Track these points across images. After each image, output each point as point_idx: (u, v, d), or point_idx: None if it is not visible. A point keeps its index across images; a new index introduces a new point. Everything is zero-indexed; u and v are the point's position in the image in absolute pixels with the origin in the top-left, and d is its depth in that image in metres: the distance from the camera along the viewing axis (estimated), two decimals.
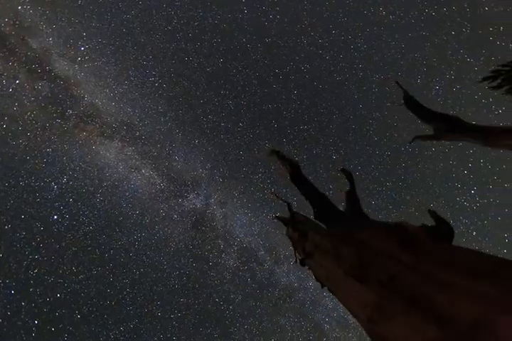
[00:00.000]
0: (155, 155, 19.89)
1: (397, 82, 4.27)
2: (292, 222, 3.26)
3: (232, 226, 19.19)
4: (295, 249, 3.03)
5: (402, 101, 4.23)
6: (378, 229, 2.15)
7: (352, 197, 2.92)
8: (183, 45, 18.60)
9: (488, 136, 3.28)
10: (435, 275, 1.41)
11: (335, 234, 2.46)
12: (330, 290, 2.23)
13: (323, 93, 17.95)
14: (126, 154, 19.43)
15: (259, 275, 18.26)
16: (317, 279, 2.50)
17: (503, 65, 3.45)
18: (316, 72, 17.88)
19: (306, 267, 2.72)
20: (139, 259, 18.55)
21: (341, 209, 2.99)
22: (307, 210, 3.28)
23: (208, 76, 19.02)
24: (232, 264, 18.56)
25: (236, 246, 18.81)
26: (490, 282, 1.20)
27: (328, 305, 17.37)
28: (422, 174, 16.26)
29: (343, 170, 3.21)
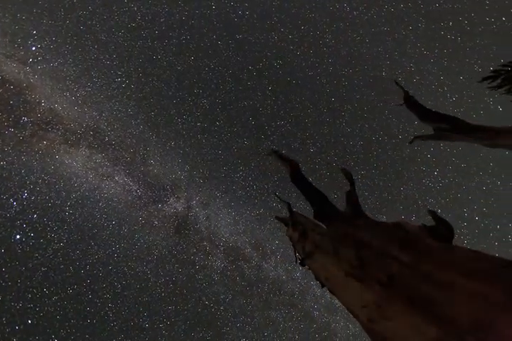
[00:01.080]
0: (128, 161, 18.70)
1: (396, 82, 4.27)
2: (292, 222, 3.26)
3: (217, 227, 18.83)
4: (295, 248, 3.02)
5: (402, 101, 4.23)
6: (378, 229, 2.15)
7: (352, 197, 2.92)
8: (150, 43, 17.67)
9: (488, 136, 3.28)
10: (435, 275, 1.41)
11: (335, 234, 2.46)
12: (330, 290, 2.23)
13: (298, 88, 17.89)
14: (95, 162, 18.11)
15: (247, 272, 18.25)
16: (317, 279, 2.50)
17: (503, 65, 3.45)
18: (289, 68, 17.85)
19: (306, 267, 2.72)
20: (120, 271, 17.58)
21: (341, 209, 2.99)
22: (307, 210, 3.28)
23: (179, 75, 18.24)
24: (220, 265, 18.38)
25: (222, 246, 18.60)
26: (490, 282, 1.20)
27: (315, 292, 17.66)
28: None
29: (343, 170, 3.21)
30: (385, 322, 1.45)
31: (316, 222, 3.01)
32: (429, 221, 2.03)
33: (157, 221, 18.75)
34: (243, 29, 17.76)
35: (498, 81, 3.52)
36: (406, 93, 4.20)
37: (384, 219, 2.46)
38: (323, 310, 17.48)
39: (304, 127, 17.76)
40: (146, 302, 17.51)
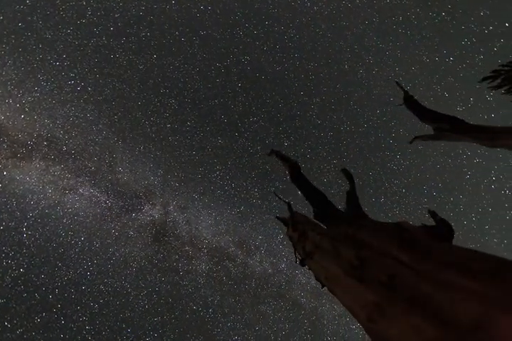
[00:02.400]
0: (93, 171, 17.17)
1: (397, 82, 4.27)
2: (292, 222, 3.26)
3: (198, 230, 18.16)
4: (295, 248, 3.02)
5: (402, 102, 4.23)
6: (378, 229, 2.15)
7: (352, 197, 2.92)
8: (105, 41, 16.20)
9: (488, 136, 3.28)
10: (435, 275, 1.41)
11: (335, 234, 2.46)
12: (330, 290, 2.23)
13: (268, 83, 17.69)
14: (53, 174, 16.30)
15: (233, 271, 17.99)
16: (317, 279, 2.50)
17: (503, 65, 3.45)
18: (256, 63, 17.55)
19: (306, 267, 2.72)
20: (95, 290, 16.27)
21: (341, 209, 2.99)
22: (307, 209, 3.28)
23: (142, 74, 17.02)
24: (205, 268, 17.89)
25: (205, 248, 18.05)
26: (490, 282, 1.20)
27: (301, 280, 17.75)
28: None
29: (344, 171, 3.21)
30: (385, 322, 1.45)
31: (316, 222, 3.02)
32: (427, 220, 2.03)
33: (132, 231, 17.58)
34: (206, 24, 17.04)
35: (498, 81, 3.52)
36: (406, 93, 4.20)
37: (384, 219, 2.46)
38: (309, 296, 17.65)
39: (276, 123, 17.71)
40: (129, 318, 16.46)
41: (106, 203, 17.51)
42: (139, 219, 17.84)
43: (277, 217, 3.75)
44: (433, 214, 2.02)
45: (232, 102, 17.90)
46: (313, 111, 17.40)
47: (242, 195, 18.03)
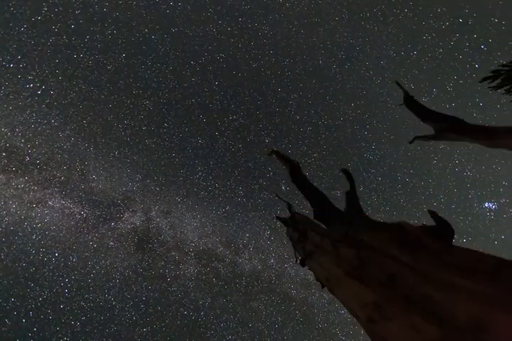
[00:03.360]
0: (63, 181, 15.80)
1: (397, 82, 4.27)
2: (292, 222, 3.26)
3: (184, 233, 17.52)
4: (295, 249, 3.02)
5: (403, 101, 4.22)
6: (378, 229, 2.15)
7: (352, 197, 2.92)
8: (66, 40, 14.76)
9: (488, 136, 3.28)
10: (435, 275, 1.41)
11: (335, 234, 2.46)
12: (330, 290, 2.23)
13: (244, 80, 17.44)
14: (17, 188, 14.79)
15: (222, 271, 17.62)
16: (317, 279, 2.50)
17: (503, 65, 3.45)
18: (232, 60, 17.14)
19: (306, 267, 2.72)
20: (76, 307, 15.09)
21: (341, 209, 2.99)
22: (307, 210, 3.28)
23: (110, 75, 15.80)
24: (193, 271, 17.32)
25: (192, 251, 17.45)
26: (490, 282, 1.20)
27: (290, 273, 17.62)
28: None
29: (344, 171, 3.21)
30: (385, 322, 1.45)
31: (316, 222, 3.01)
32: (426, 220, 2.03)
33: (113, 241, 16.50)
34: (177, 21, 16.15)
35: (498, 81, 3.52)
36: (406, 93, 4.20)
37: (384, 219, 2.46)
38: (299, 287, 17.65)
39: (256, 120, 17.53)
40: (116, 332, 15.49)
41: (80, 214, 16.22)
42: (119, 228, 16.75)
43: (277, 217, 3.75)
44: (433, 214, 2.02)
45: (209, 101, 17.37)
46: (292, 106, 17.38)
47: (227, 195, 17.71)
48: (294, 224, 3.20)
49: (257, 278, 17.52)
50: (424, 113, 3.97)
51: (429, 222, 1.94)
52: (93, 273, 15.90)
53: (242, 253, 17.89)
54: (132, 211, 17.18)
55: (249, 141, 17.52)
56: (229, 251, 17.89)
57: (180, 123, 17.32)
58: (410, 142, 4.23)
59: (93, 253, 16.15)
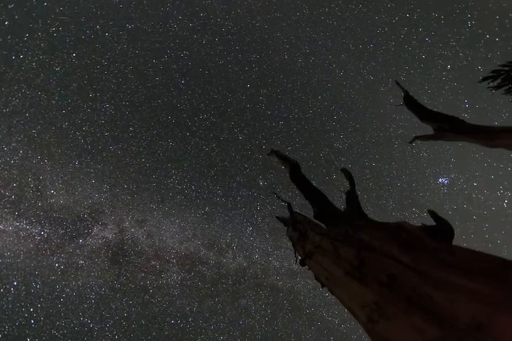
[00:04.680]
0: (14, 200, 13.93)
1: (397, 82, 4.27)
2: (292, 222, 3.26)
3: (162, 241, 16.68)
4: (295, 248, 3.02)
5: (402, 101, 4.23)
6: (378, 229, 2.15)
7: (352, 197, 2.92)
8: (4, 38, 12.84)
9: (488, 135, 3.28)
10: (435, 275, 1.41)
11: (335, 234, 2.46)
12: (330, 290, 2.23)
13: (211, 78, 16.85)
14: None
15: (208, 274, 17.04)
16: (317, 279, 2.50)
17: (503, 65, 3.45)
18: (197, 58, 16.45)
19: (306, 267, 2.72)
20: (47, 337, 13.60)
21: (341, 209, 2.99)
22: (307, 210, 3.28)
23: (60, 77, 14.14)
24: (177, 278, 16.56)
25: (174, 258, 16.68)
26: (490, 282, 1.20)
27: (275, 266, 17.43)
28: (386, 157, 16.76)
29: (343, 170, 3.21)
30: (385, 322, 1.46)
31: (316, 222, 3.01)
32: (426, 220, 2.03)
33: (82, 260, 15.06)
34: (133, 17, 14.96)
35: (498, 81, 3.52)
36: (406, 93, 4.20)
37: (384, 219, 2.46)
38: (284, 278, 17.53)
39: (227, 117, 17.17)
40: None
41: (40, 235, 14.43)
42: (88, 245, 15.40)
43: (277, 217, 3.75)
44: (433, 214, 2.02)
45: (177, 101, 16.38)
46: (262, 102, 17.10)
47: (205, 196, 17.12)
48: (294, 224, 3.20)
49: (243, 276, 17.38)
50: (423, 113, 3.97)
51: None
52: (63, 298, 14.43)
53: (225, 253, 17.59)
54: (102, 224, 15.89)
55: (222, 140, 17.06)
56: (212, 252, 17.44)
57: (147, 126, 16.19)
58: (410, 142, 4.23)
59: (60, 275, 14.67)
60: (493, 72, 3.51)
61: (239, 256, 17.55)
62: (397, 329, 1.38)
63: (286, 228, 3.47)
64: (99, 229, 15.78)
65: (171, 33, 15.82)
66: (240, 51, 16.68)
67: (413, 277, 1.49)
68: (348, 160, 17.08)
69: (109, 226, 15.97)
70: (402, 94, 4.24)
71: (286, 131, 17.22)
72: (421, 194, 16.14)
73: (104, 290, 15.27)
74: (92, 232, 15.59)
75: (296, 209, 3.57)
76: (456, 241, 1.78)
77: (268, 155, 4.31)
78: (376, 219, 2.69)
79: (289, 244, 3.19)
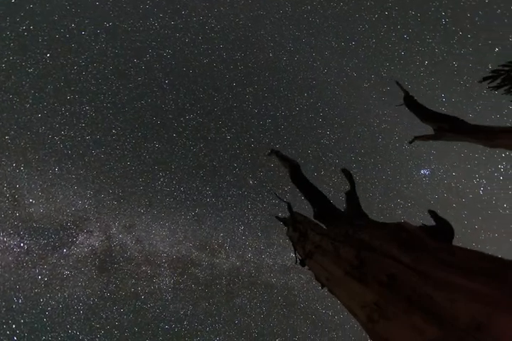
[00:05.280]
0: None
1: (397, 82, 4.28)
2: (292, 222, 3.26)
3: (153, 245, 16.21)
4: (295, 249, 3.03)
5: (402, 101, 4.23)
6: (378, 229, 2.15)
7: (352, 197, 2.92)
8: None
9: (488, 136, 3.28)
10: (435, 275, 1.41)
11: (335, 234, 2.46)
12: (330, 290, 2.24)
13: (197, 77, 16.47)
14: None
15: (201, 276, 16.69)
16: (317, 279, 2.51)
17: (503, 65, 3.45)
18: (181, 56, 16.01)
19: (306, 267, 2.72)
20: None
21: (341, 209, 2.99)
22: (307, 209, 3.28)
23: (33, 79, 13.29)
24: (169, 282, 16.12)
25: (165, 262, 16.22)
26: (490, 282, 1.20)
27: (268, 263, 17.27)
28: (371, 152, 16.98)
29: (344, 170, 3.21)
30: (385, 322, 1.46)
31: (316, 222, 3.02)
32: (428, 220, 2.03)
33: (68, 270, 14.30)
34: (111, 15, 14.28)
35: (498, 81, 3.52)
36: (406, 93, 4.20)
37: (384, 219, 2.47)
38: (278, 274, 17.40)
39: (214, 117, 16.92)
40: None
41: (20, 247, 13.65)
42: (73, 254, 14.62)
43: (277, 217, 3.75)
44: (433, 214, 2.02)
45: (161, 101, 15.81)
46: (249, 100, 16.88)
47: (195, 197, 16.67)
48: (294, 224, 3.21)
49: (237, 275, 17.21)
50: (423, 113, 3.97)
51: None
52: (48, 311, 13.68)
53: (218, 253, 17.30)
54: (87, 232, 15.22)
55: (210, 139, 16.75)
56: (204, 254, 17.10)
57: (131, 128, 15.46)
58: (410, 142, 4.23)
59: (44, 288, 13.90)
60: (493, 72, 3.51)
61: (232, 256, 17.41)
62: (397, 329, 1.38)
63: (278, 225, 3.48)
64: (85, 237, 15.20)
65: (152, 32, 15.26)
66: (225, 49, 16.43)
67: (413, 277, 1.49)
68: (335, 156, 17.28)
69: (95, 234, 15.38)
70: (403, 94, 4.24)
71: (274, 129, 17.17)
72: (405, 185, 16.60)
73: (93, 300, 14.65)
74: (77, 241, 15.00)
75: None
76: None
77: (268, 155, 4.31)
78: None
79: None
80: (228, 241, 17.26)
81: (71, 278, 14.46)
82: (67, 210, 14.75)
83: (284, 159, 3.92)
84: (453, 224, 1.83)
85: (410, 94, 4.19)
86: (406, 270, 1.57)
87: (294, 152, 16.93)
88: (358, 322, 1.73)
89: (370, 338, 1.57)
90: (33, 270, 13.94)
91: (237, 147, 16.98)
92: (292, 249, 3.10)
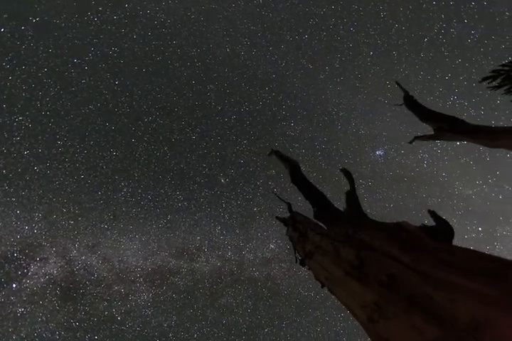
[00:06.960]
0: None
1: (397, 83, 4.28)
2: (292, 222, 3.26)
3: (123, 261, 14.79)
4: (295, 249, 3.03)
5: (402, 101, 4.23)
6: (378, 229, 2.15)
7: (352, 197, 2.93)
8: None
9: (488, 136, 3.28)
10: (435, 275, 1.41)
11: (335, 234, 2.46)
12: (330, 290, 2.24)
13: (151, 77, 15.35)
14: None
15: (182, 283, 15.78)
16: (317, 279, 2.51)
17: (503, 65, 3.45)
18: (130, 55, 14.65)
19: (306, 267, 2.73)
20: None
21: (341, 209, 2.99)
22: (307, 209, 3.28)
23: None
24: (147, 297, 15.01)
25: (140, 276, 14.97)
26: (490, 282, 1.20)
27: (250, 258, 17.08)
28: (332, 138, 17.20)
29: (343, 170, 3.21)
30: (385, 322, 1.46)
31: (316, 222, 3.02)
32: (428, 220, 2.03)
33: (21, 306, 12.43)
34: (37, 9, 12.32)
35: (498, 81, 3.52)
36: (406, 93, 4.21)
37: (384, 219, 2.47)
38: (260, 267, 17.18)
39: (176, 117, 16.08)
40: None
41: None
42: (26, 288, 12.64)
43: (277, 217, 3.75)
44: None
45: (113, 104, 14.07)
46: (211, 98, 16.09)
47: (164, 203, 15.72)
48: (294, 224, 3.21)
49: (219, 275, 16.73)
50: (423, 113, 3.97)
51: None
52: None
53: (197, 257, 16.53)
54: (41, 260, 13.29)
55: (174, 141, 15.78)
56: (182, 260, 16.19)
57: (80, 137, 13.42)
58: (410, 142, 4.23)
59: None
60: (493, 72, 3.51)
61: (211, 257, 16.84)
62: (397, 329, 1.38)
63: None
64: (39, 266, 13.21)
65: (92, 28, 13.24)
66: (178, 46, 15.21)
67: (413, 277, 1.49)
68: (301, 146, 17.45)
69: (51, 260, 13.51)
70: (403, 94, 4.24)
71: (240, 125, 16.84)
72: (364, 166, 17.36)
73: (59, 334, 12.89)
74: (28, 272, 12.98)
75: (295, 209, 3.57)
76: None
77: (268, 155, 4.31)
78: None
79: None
80: (206, 244, 16.64)
81: (27, 315, 12.60)
82: (11, 239, 12.72)
83: (284, 159, 3.92)
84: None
85: (410, 93, 4.20)
86: (406, 270, 1.57)
87: (261, 145, 16.91)
88: (358, 322, 1.73)
89: (370, 338, 1.57)
90: None
91: (203, 147, 16.33)
92: (292, 248, 3.10)
